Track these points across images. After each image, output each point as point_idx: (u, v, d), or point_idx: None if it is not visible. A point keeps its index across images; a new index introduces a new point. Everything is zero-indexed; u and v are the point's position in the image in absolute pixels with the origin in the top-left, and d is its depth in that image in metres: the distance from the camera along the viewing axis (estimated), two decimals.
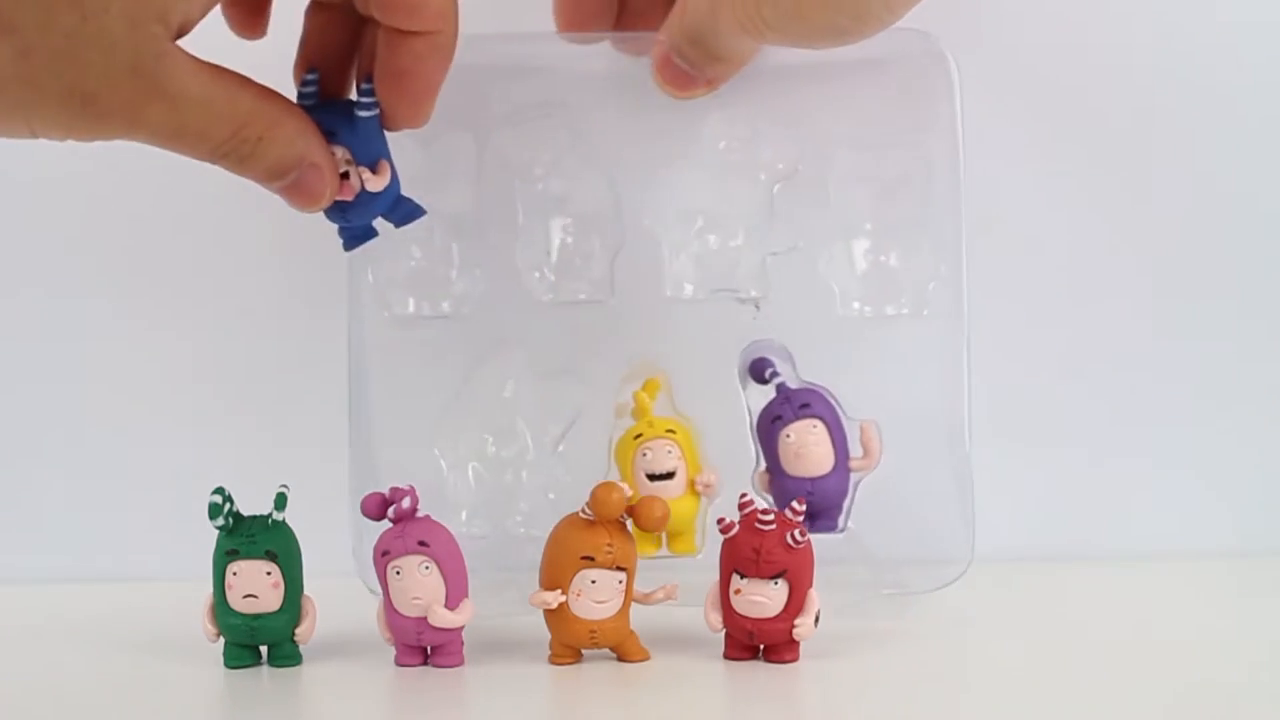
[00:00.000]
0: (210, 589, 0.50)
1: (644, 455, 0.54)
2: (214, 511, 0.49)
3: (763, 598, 0.48)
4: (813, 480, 0.55)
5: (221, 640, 0.50)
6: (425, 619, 0.49)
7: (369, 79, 0.48)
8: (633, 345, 0.59)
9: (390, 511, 0.49)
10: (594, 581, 0.48)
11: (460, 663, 0.50)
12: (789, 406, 0.55)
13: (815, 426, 0.55)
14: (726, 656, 0.50)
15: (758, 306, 0.59)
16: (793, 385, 0.57)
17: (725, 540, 0.49)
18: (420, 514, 0.49)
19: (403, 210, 0.51)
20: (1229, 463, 0.67)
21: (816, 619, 0.49)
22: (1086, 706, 0.45)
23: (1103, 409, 0.67)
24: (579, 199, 0.59)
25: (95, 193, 0.66)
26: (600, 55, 0.59)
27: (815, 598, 0.49)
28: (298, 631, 0.51)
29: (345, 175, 0.48)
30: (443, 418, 0.59)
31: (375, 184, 0.48)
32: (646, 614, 0.52)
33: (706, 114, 0.59)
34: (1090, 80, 0.66)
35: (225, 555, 0.50)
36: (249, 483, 0.51)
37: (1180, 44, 0.66)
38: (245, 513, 0.50)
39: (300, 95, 0.48)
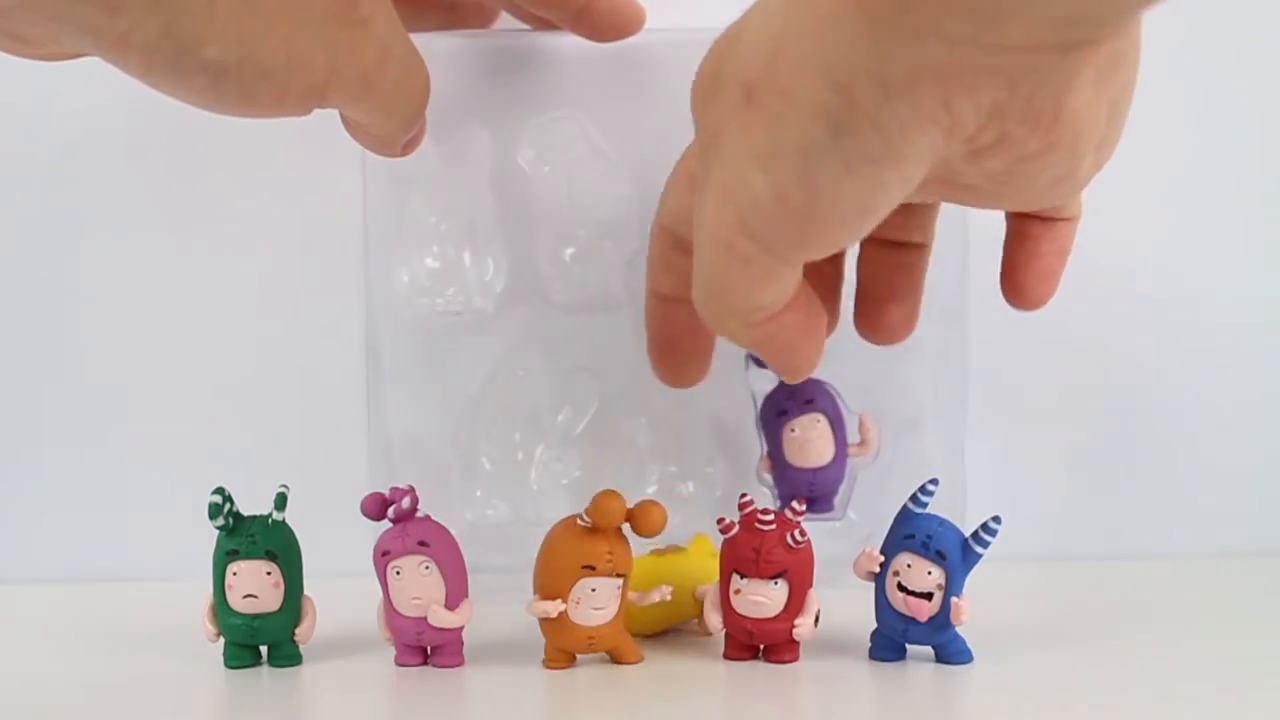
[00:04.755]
0: (210, 589, 0.50)
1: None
2: (214, 511, 0.49)
3: (763, 598, 0.49)
4: (814, 471, 0.56)
5: (221, 640, 0.50)
6: (425, 619, 0.49)
7: None
8: (644, 339, 0.59)
9: (390, 511, 0.49)
10: (594, 590, 0.48)
11: (460, 663, 0.50)
12: (794, 401, 0.57)
13: (819, 421, 0.56)
14: (726, 656, 0.50)
15: None
16: None
17: (725, 540, 0.49)
18: (421, 514, 0.49)
19: None
20: (1236, 463, 0.67)
21: (816, 619, 0.49)
22: (1088, 706, 0.45)
23: (1102, 406, 0.67)
24: (596, 199, 0.59)
25: (103, 191, 0.66)
26: (620, 56, 0.59)
27: (815, 598, 0.49)
28: (298, 631, 0.51)
29: None
30: (460, 415, 0.60)
31: None
32: None
33: None
34: None
35: (225, 555, 0.50)
36: (264, 482, 0.51)
37: (1189, 48, 0.66)
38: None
39: None
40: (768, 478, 0.58)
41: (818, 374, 0.57)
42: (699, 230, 0.38)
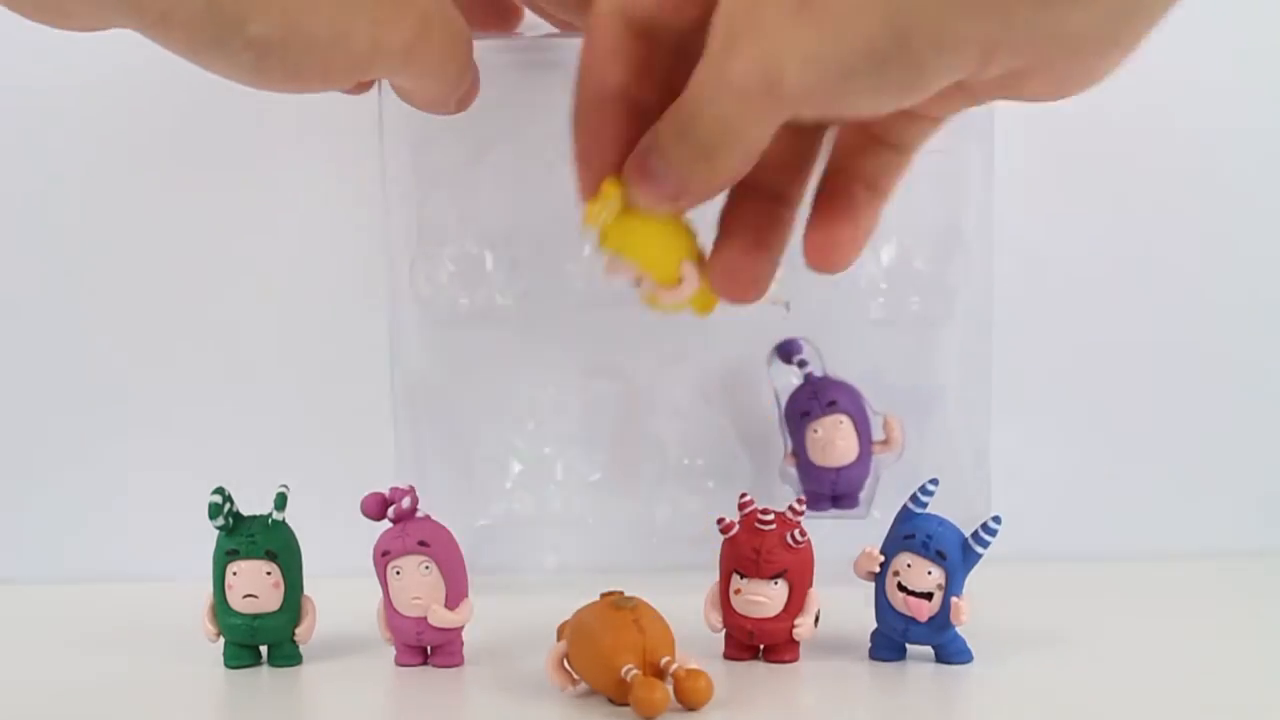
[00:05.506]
0: (210, 589, 0.50)
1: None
2: (214, 511, 0.49)
3: (763, 598, 0.48)
4: (838, 469, 0.56)
5: (221, 640, 0.50)
6: (425, 619, 0.49)
7: None
8: (667, 343, 0.60)
9: (390, 511, 0.49)
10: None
11: (460, 663, 0.50)
12: (817, 402, 0.57)
13: (841, 422, 0.57)
14: (726, 656, 0.50)
15: (788, 306, 0.59)
16: (818, 373, 0.59)
17: (725, 540, 0.49)
18: (421, 514, 0.49)
19: None
20: (1237, 463, 0.67)
21: (816, 619, 0.49)
22: (1087, 706, 0.45)
23: (1126, 408, 0.67)
24: None
25: (115, 191, 0.66)
26: None
27: (815, 597, 0.49)
28: (298, 631, 0.51)
29: None
30: (484, 411, 0.60)
31: None
32: None
33: None
34: (1123, 86, 0.66)
35: (225, 555, 0.50)
36: (258, 482, 0.51)
37: (1211, 49, 0.66)
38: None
39: None
40: (792, 473, 0.58)
41: (843, 376, 0.58)
42: (711, 75, 0.37)
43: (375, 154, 0.58)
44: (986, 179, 0.59)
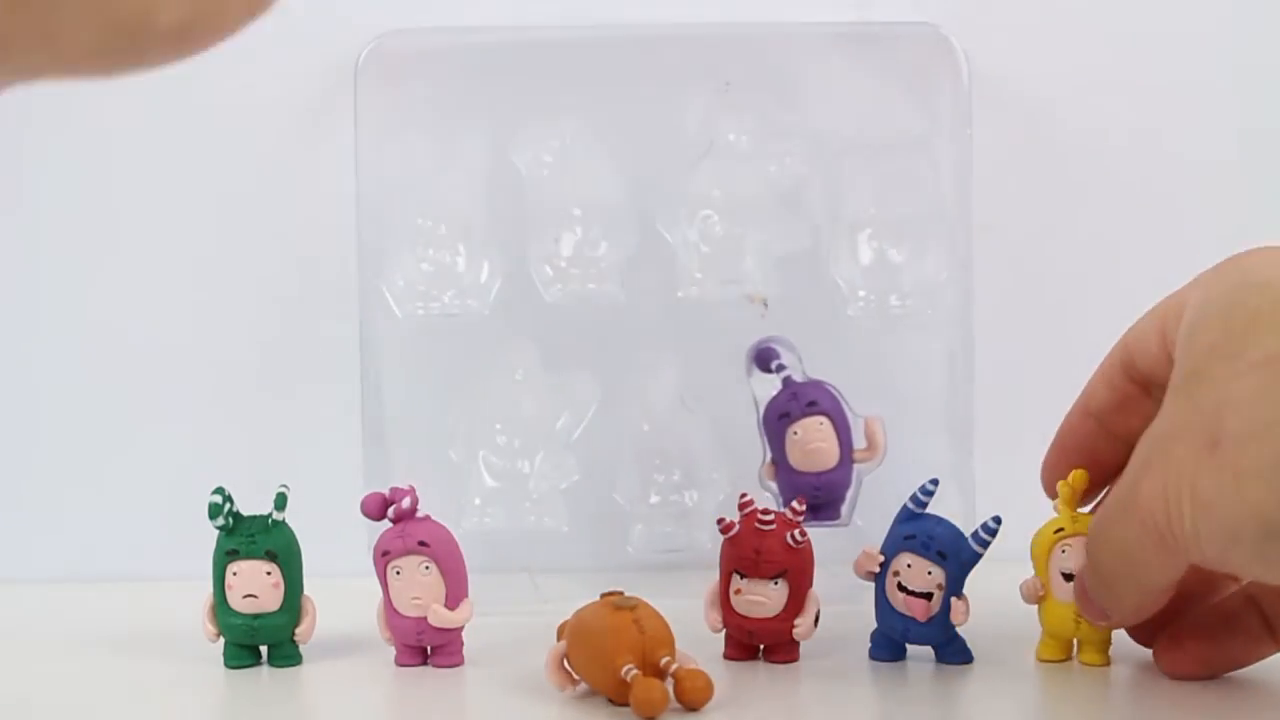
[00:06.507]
0: (210, 589, 0.50)
1: (1062, 552, 0.48)
2: (214, 511, 0.49)
3: (763, 598, 0.48)
4: (819, 475, 0.55)
5: (221, 640, 0.50)
6: (425, 619, 0.49)
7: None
8: (643, 342, 0.59)
9: (390, 511, 0.49)
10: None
11: (460, 663, 0.50)
12: (796, 403, 0.56)
13: (822, 424, 0.55)
14: (726, 656, 0.50)
15: (766, 304, 0.59)
16: (798, 379, 0.57)
17: (725, 540, 0.49)
18: (421, 513, 0.49)
19: None
20: None
21: (816, 619, 0.49)
22: (1087, 706, 0.45)
23: None
24: (590, 196, 0.59)
25: (102, 190, 0.66)
26: (612, 51, 0.59)
27: (815, 597, 0.49)
28: (298, 631, 0.50)
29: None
30: (456, 414, 0.60)
31: None
32: None
33: (717, 112, 0.59)
34: (1097, 81, 0.66)
35: (225, 555, 0.50)
36: (258, 482, 0.51)
37: (1190, 44, 0.66)
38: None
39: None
40: (772, 485, 0.57)
41: (820, 375, 0.57)
42: (1122, 495, 0.38)
43: (348, 156, 0.58)
44: (965, 174, 0.58)
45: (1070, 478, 0.48)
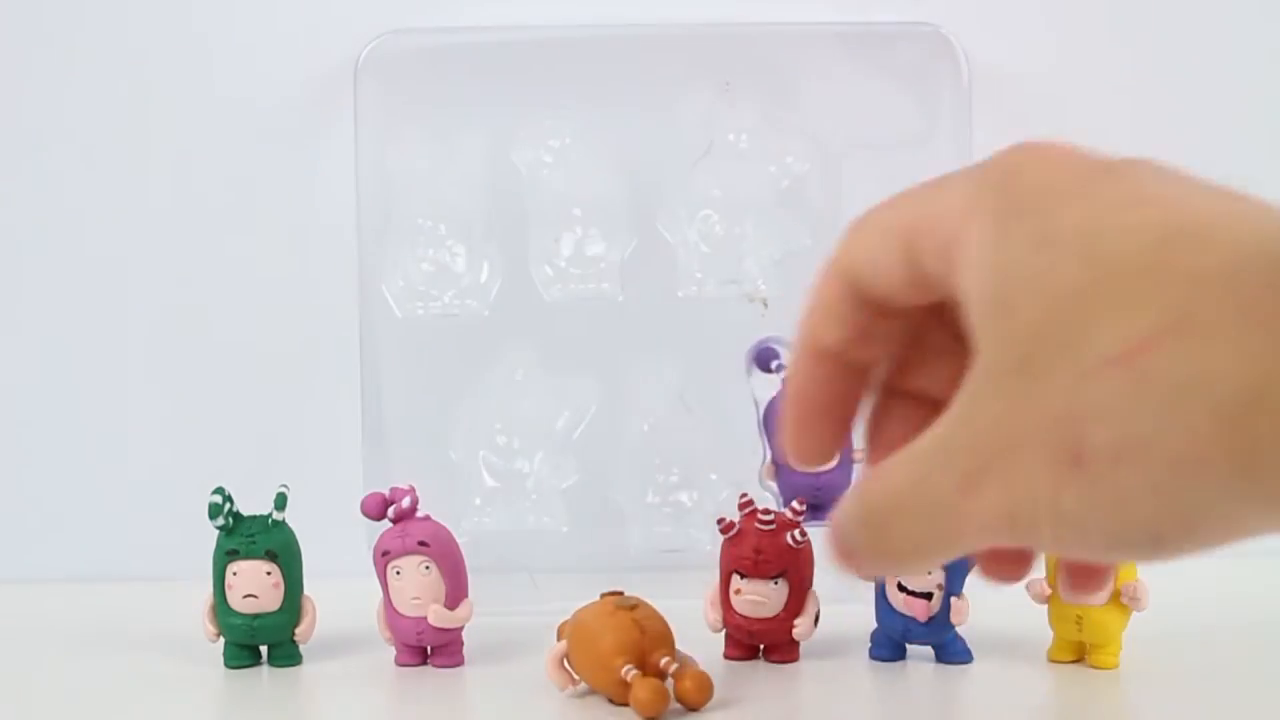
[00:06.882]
0: (210, 589, 0.50)
1: None
2: (214, 511, 0.49)
3: (763, 598, 0.48)
4: (818, 475, 0.55)
5: (221, 640, 0.50)
6: (425, 619, 0.49)
7: None
8: (643, 342, 0.59)
9: (390, 511, 0.49)
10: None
11: (460, 663, 0.50)
12: None
13: None
14: (726, 656, 0.50)
15: (765, 304, 0.59)
16: None
17: (725, 540, 0.49)
18: (421, 513, 0.49)
19: None
20: None
21: (816, 619, 0.49)
22: (1088, 706, 0.45)
23: None
24: (590, 196, 0.59)
25: (103, 190, 0.66)
26: (612, 51, 0.59)
27: (815, 597, 0.49)
28: (298, 631, 0.50)
29: None
30: (456, 414, 0.60)
31: None
32: None
33: (717, 112, 0.59)
34: (1097, 80, 0.66)
35: (225, 555, 0.50)
36: (258, 482, 0.51)
37: (1191, 44, 0.65)
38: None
39: None
40: (772, 485, 0.57)
41: None
42: (943, 494, 0.32)
43: (348, 158, 0.58)
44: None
45: None
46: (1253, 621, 0.55)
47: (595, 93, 0.60)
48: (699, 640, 0.50)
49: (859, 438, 0.56)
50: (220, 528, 0.50)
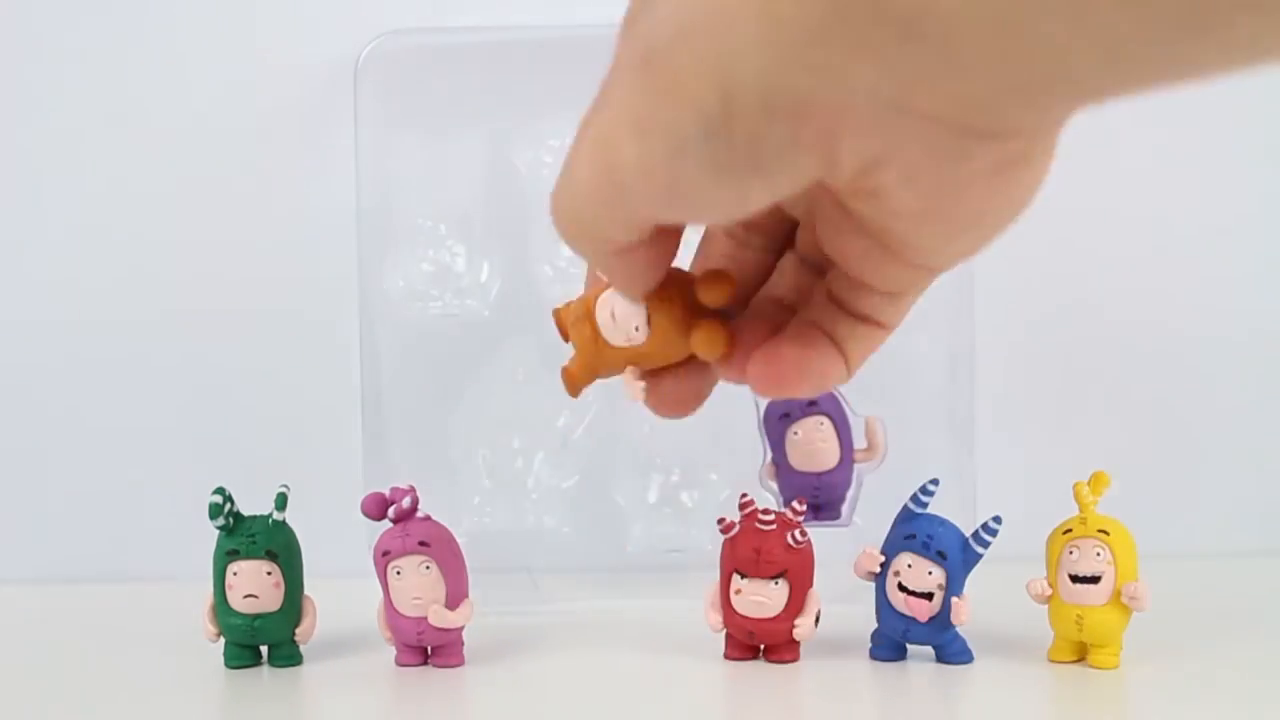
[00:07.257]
0: (210, 589, 0.50)
1: (1070, 553, 0.48)
2: (214, 511, 0.49)
3: (763, 598, 0.48)
4: (819, 475, 0.55)
5: (222, 640, 0.50)
6: (425, 619, 0.49)
7: None
8: None
9: (391, 511, 0.49)
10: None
11: (460, 663, 0.50)
12: (796, 403, 0.56)
13: (822, 424, 0.55)
14: (726, 657, 0.50)
15: None
16: None
17: (726, 540, 0.49)
18: (421, 513, 0.49)
19: None
20: (1238, 465, 0.67)
21: (816, 619, 0.49)
22: (1088, 706, 0.45)
23: (1106, 408, 0.67)
24: None
25: (103, 190, 0.66)
26: (610, 52, 0.59)
27: (815, 597, 0.49)
28: (298, 631, 0.50)
29: None
30: (456, 414, 0.60)
31: None
32: (647, 614, 0.52)
33: None
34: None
35: (226, 555, 0.50)
36: (258, 482, 0.51)
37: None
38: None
39: None
40: (772, 485, 0.57)
41: None
42: (576, 151, 0.34)
43: (348, 158, 0.58)
44: None
45: (1090, 479, 0.48)
46: (1253, 622, 0.55)
47: (595, 93, 0.60)
48: (699, 640, 0.51)
49: (860, 438, 0.57)
50: (220, 528, 0.50)
